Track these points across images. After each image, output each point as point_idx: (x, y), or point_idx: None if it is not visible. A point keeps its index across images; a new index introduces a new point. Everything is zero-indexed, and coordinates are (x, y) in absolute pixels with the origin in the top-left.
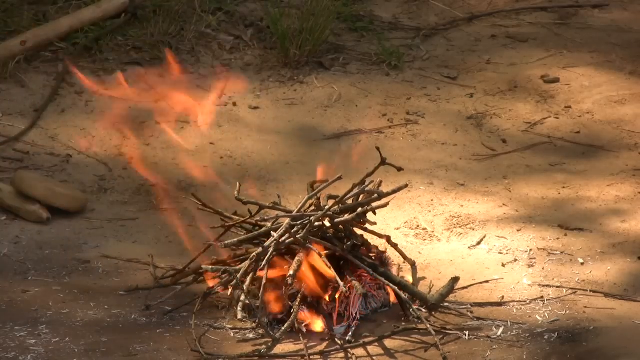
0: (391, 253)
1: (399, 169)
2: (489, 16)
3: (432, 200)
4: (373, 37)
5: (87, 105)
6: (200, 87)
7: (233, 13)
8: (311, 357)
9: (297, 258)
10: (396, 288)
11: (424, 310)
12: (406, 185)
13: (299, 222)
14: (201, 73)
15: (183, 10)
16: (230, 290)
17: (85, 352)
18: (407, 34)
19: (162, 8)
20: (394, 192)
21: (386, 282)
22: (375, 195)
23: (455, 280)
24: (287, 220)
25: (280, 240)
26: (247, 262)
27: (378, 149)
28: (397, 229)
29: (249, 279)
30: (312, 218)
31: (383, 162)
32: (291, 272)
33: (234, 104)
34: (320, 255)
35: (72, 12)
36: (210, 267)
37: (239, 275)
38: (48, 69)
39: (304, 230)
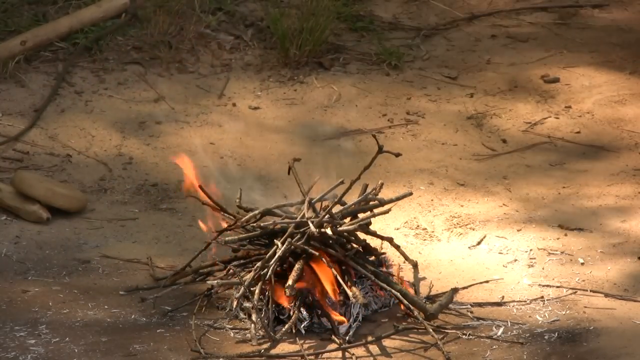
0: (391, 253)
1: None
2: (489, 16)
3: (432, 200)
4: (373, 37)
5: (87, 105)
6: (200, 87)
7: (233, 13)
8: (310, 357)
9: (296, 266)
10: (398, 294)
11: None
12: (411, 193)
13: (300, 230)
14: (201, 73)
15: (183, 10)
16: (236, 302)
17: (85, 352)
18: (407, 34)
19: (162, 8)
20: (398, 199)
21: (388, 288)
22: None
23: (455, 290)
24: (290, 229)
25: (282, 250)
26: (251, 274)
27: (374, 136)
28: (397, 229)
29: (257, 289)
30: (311, 225)
31: (380, 150)
32: (290, 282)
33: (234, 104)
34: (327, 263)
35: (72, 12)
36: (216, 282)
37: (245, 284)
38: (48, 69)
39: (304, 237)
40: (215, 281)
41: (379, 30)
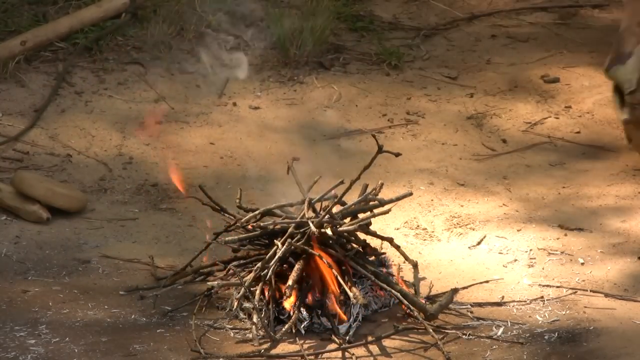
0: (391, 253)
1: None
2: (489, 16)
3: (432, 200)
4: (373, 37)
5: (87, 105)
6: (200, 87)
7: (233, 13)
8: (310, 357)
9: (296, 266)
10: (398, 295)
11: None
12: (411, 194)
13: (301, 230)
14: (201, 73)
15: (183, 10)
16: (236, 303)
17: (85, 352)
18: (407, 34)
19: (162, 8)
20: (398, 199)
21: (388, 289)
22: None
23: (455, 291)
24: (290, 229)
25: (282, 251)
26: (252, 274)
27: (374, 136)
28: (397, 229)
29: (258, 289)
30: (312, 225)
31: (380, 149)
32: (290, 283)
33: (234, 104)
34: (329, 265)
35: (72, 12)
36: (217, 282)
37: (246, 284)
38: (48, 69)
39: (304, 238)
40: (216, 282)
41: (379, 30)
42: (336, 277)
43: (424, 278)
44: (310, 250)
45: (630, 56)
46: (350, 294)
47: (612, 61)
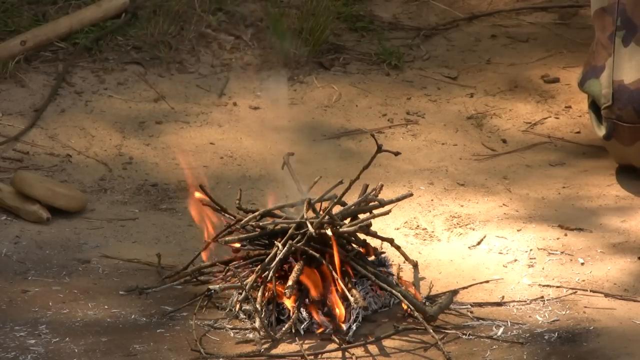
0: (391, 253)
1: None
2: (489, 16)
3: (432, 200)
4: (373, 37)
5: (87, 105)
6: (200, 87)
7: (233, 13)
8: (310, 357)
9: (296, 267)
10: (399, 295)
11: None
12: (411, 194)
13: (301, 231)
14: (201, 73)
15: (183, 10)
16: (238, 305)
17: (85, 352)
18: (407, 34)
19: (162, 8)
20: (398, 200)
21: (389, 289)
22: (377, 202)
23: (455, 292)
24: (291, 230)
25: (283, 253)
26: (253, 276)
27: (373, 135)
28: (397, 229)
29: (260, 292)
30: (310, 226)
31: (379, 149)
32: (290, 283)
33: (234, 104)
34: (330, 267)
35: (72, 12)
36: (218, 286)
37: (247, 287)
38: (48, 69)
39: (304, 239)
40: (217, 286)
41: (379, 30)
42: (336, 279)
43: (423, 278)
44: (311, 251)
45: (604, 70)
46: (351, 298)
47: (586, 75)
